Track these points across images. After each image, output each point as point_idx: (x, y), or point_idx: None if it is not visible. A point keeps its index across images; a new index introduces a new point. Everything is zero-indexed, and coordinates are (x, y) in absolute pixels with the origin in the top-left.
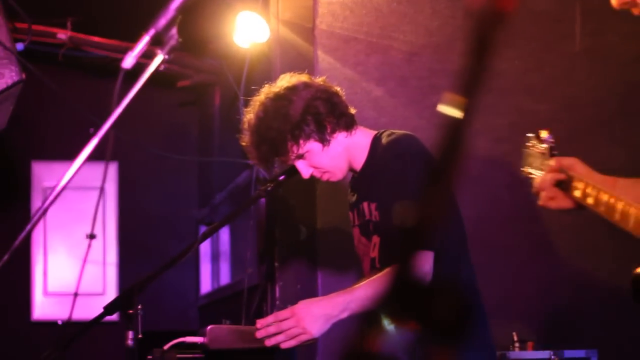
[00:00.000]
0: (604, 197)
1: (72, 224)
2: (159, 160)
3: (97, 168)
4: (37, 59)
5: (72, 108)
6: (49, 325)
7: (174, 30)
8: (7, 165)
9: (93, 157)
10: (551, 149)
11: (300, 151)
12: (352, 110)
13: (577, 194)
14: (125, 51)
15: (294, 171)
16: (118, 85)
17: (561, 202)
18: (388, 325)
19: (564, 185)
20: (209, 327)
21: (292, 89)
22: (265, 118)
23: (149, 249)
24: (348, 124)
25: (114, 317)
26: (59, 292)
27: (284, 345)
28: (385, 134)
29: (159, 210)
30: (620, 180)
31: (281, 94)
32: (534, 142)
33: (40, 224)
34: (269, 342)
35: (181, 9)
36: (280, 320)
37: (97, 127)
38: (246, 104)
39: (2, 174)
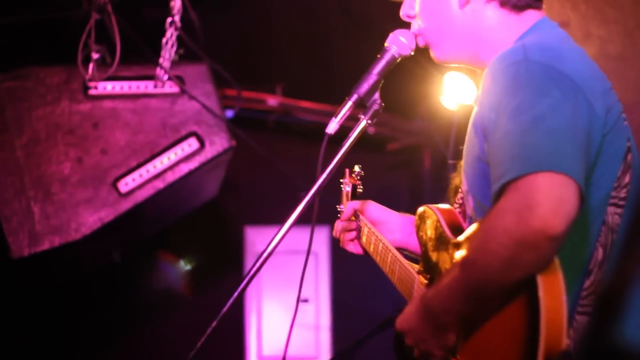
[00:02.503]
0: (379, 247)
1: (286, 288)
2: None
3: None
4: (247, 125)
5: (283, 173)
6: None
7: (376, 95)
8: (221, 231)
9: (305, 222)
10: (354, 188)
11: None
12: None
13: (364, 239)
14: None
15: None
16: (322, 151)
17: (356, 246)
18: None
19: (357, 231)
20: None
21: None
22: None
23: (362, 311)
24: None
25: None
26: (274, 355)
27: None
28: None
29: (371, 273)
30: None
31: None
32: (346, 178)
33: (255, 289)
34: None
35: (384, 73)
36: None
37: (306, 193)
38: (454, 167)
39: (216, 240)
